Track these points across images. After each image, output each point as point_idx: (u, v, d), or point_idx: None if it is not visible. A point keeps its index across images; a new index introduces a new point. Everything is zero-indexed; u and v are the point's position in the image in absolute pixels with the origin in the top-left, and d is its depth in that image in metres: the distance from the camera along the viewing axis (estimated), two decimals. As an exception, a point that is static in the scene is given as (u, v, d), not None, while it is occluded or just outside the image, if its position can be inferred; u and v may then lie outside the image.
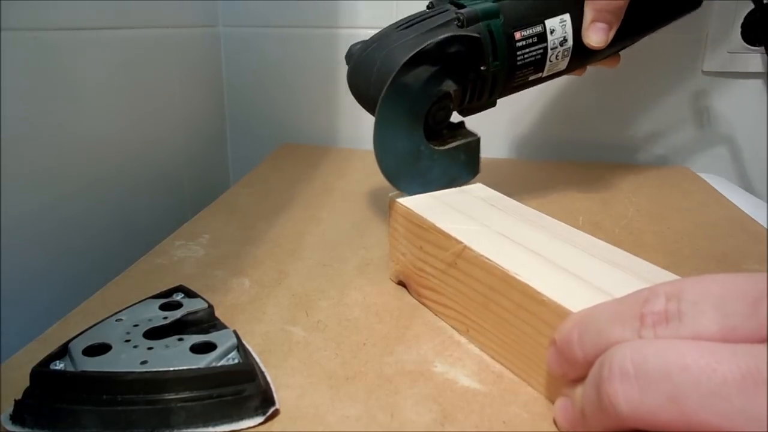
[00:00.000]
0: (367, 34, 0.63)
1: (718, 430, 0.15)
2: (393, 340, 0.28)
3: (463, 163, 0.35)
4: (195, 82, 0.62)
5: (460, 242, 0.27)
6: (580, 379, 0.20)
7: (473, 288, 0.27)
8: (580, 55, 0.38)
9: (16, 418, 0.21)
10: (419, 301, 0.32)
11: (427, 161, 0.33)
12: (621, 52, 0.43)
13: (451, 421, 0.23)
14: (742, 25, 0.56)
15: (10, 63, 0.35)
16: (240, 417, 0.22)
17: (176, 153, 0.58)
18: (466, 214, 0.30)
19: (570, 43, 0.37)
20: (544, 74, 0.38)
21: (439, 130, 0.35)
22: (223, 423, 0.22)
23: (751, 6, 0.55)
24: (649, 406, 0.17)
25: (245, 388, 0.22)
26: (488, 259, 0.26)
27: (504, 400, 0.24)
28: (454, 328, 0.29)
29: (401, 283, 0.33)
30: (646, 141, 0.63)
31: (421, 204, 0.32)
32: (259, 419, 0.22)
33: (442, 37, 0.32)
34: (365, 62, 0.35)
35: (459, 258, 0.28)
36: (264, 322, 0.29)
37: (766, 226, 0.44)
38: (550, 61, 0.37)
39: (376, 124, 0.32)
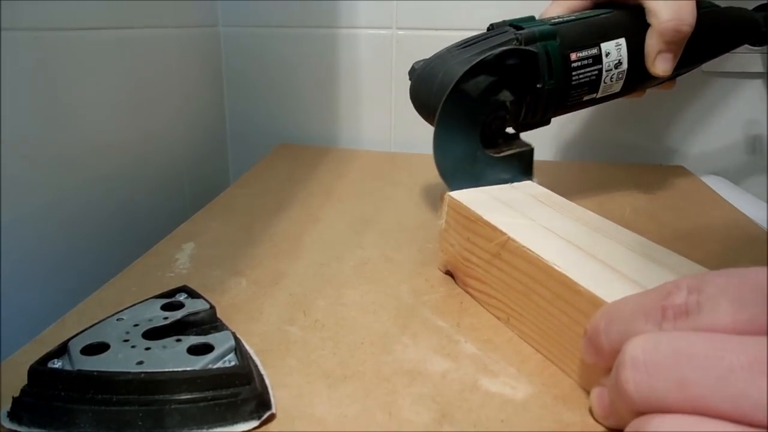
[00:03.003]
0: (367, 34, 0.64)
1: (724, 415, 0.16)
2: (391, 339, 0.28)
3: (516, 170, 0.37)
4: (195, 82, 0.62)
5: (504, 233, 0.28)
6: (611, 369, 0.20)
7: (515, 278, 0.28)
8: (635, 79, 0.40)
9: (13, 415, 0.21)
10: (465, 291, 0.33)
11: (482, 166, 0.35)
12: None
13: (449, 419, 0.23)
14: (742, 25, 0.56)
15: (10, 63, 0.35)
16: (235, 420, 0.22)
17: (176, 153, 0.58)
18: (513, 209, 0.32)
19: (624, 66, 0.39)
20: (599, 95, 0.40)
21: (495, 139, 0.37)
22: (217, 426, 0.21)
23: (752, 5, 0.54)
24: (657, 393, 0.17)
25: (241, 391, 0.22)
26: (530, 250, 0.27)
27: (502, 399, 0.24)
28: (495, 316, 0.30)
29: (449, 273, 0.34)
30: (644, 141, 0.63)
31: (471, 197, 0.33)
32: (254, 423, 0.22)
33: (501, 49, 0.34)
34: (428, 76, 0.37)
35: (503, 249, 0.29)
36: (261, 322, 0.29)
37: (766, 226, 0.44)
38: (605, 82, 0.39)
39: (436, 127, 0.34)
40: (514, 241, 0.28)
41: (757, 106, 0.59)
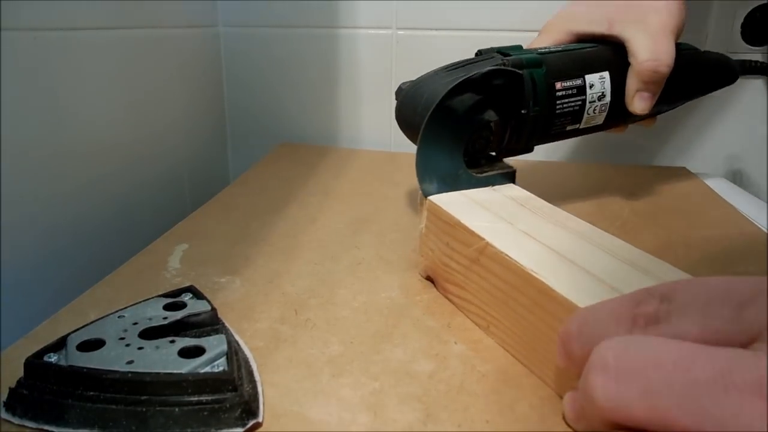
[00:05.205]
0: (367, 33, 0.64)
1: (685, 430, 0.16)
2: (380, 338, 0.28)
3: None
4: (195, 82, 0.63)
5: (483, 239, 0.28)
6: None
7: (494, 284, 0.28)
8: (618, 113, 0.40)
9: (8, 406, 0.22)
10: (445, 296, 0.32)
11: (465, 185, 0.35)
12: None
13: (433, 420, 0.23)
14: (742, 25, 0.56)
15: (10, 63, 0.36)
16: (218, 427, 0.21)
17: (176, 153, 0.58)
18: (493, 213, 0.31)
19: (608, 98, 0.39)
20: (581, 126, 0.40)
21: (478, 159, 0.37)
22: (201, 431, 0.21)
23: (752, 6, 0.54)
24: (623, 400, 0.17)
25: (226, 397, 0.22)
26: (508, 255, 0.26)
27: (488, 400, 0.24)
28: (476, 324, 0.30)
29: (429, 278, 0.34)
30: (644, 141, 0.63)
31: (451, 201, 0.32)
32: (239, 431, 0.21)
33: (488, 68, 0.34)
34: (413, 96, 0.37)
35: (481, 254, 0.28)
36: (253, 321, 0.30)
37: (766, 227, 0.43)
38: (588, 113, 0.39)
39: (420, 144, 0.33)
40: (492, 246, 0.27)
41: (757, 106, 0.59)
